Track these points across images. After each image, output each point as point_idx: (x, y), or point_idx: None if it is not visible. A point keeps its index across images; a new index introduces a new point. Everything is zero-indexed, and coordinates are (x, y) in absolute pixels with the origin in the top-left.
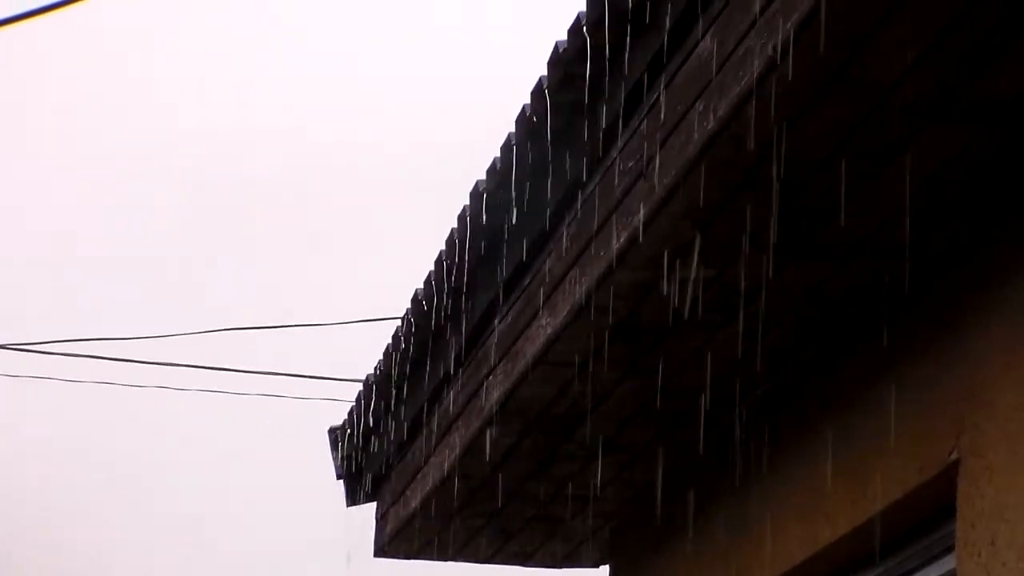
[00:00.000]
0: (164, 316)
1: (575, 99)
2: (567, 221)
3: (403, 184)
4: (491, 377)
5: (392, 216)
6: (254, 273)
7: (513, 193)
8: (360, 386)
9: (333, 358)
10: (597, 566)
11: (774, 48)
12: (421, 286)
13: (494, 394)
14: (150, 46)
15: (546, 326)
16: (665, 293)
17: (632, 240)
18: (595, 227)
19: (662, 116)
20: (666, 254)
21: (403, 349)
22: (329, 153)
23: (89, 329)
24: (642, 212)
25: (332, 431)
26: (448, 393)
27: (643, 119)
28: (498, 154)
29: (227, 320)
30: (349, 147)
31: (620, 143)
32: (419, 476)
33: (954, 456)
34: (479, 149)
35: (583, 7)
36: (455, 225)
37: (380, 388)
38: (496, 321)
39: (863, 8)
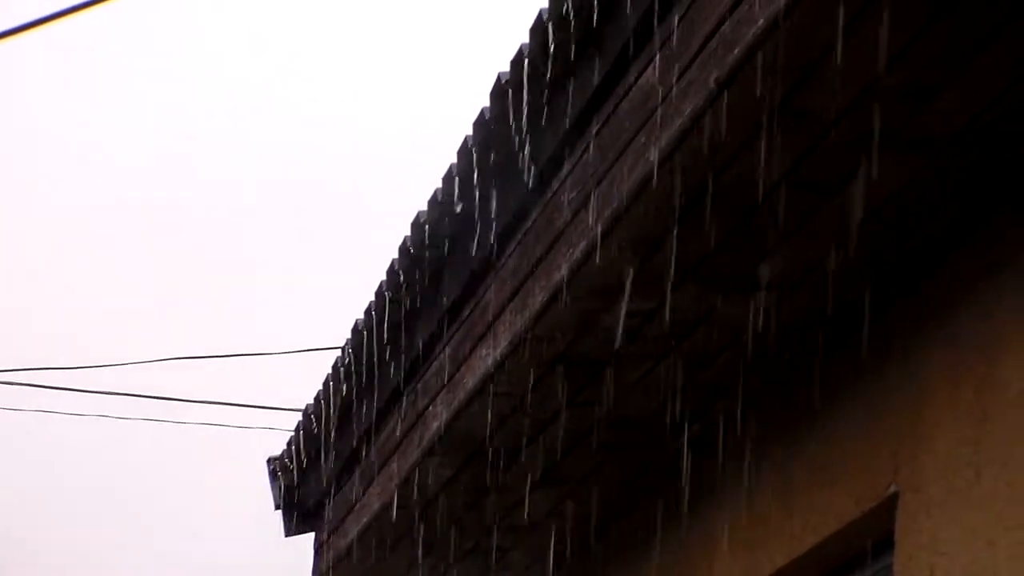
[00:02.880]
0: (105, 345)
1: (516, 130)
2: (508, 252)
3: (348, 214)
4: (431, 408)
5: (334, 246)
6: (196, 303)
7: (454, 224)
8: (299, 416)
9: (274, 388)
10: None
11: (716, 81)
12: (361, 316)
13: (433, 424)
14: (122, 69)
15: (486, 356)
16: (605, 324)
17: (573, 271)
18: (537, 258)
19: (604, 148)
20: (607, 285)
21: (343, 379)
22: (272, 181)
23: (30, 358)
24: (583, 243)
25: (271, 461)
26: (388, 423)
27: (586, 150)
28: (440, 185)
29: (168, 350)
30: (294, 176)
31: (563, 174)
32: (358, 507)
33: (892, 489)
34: (424, 180)
35: (526, 39)
36: (396, 255)
37: (319, 418)
38: (436, 351)
39: (806, 43)
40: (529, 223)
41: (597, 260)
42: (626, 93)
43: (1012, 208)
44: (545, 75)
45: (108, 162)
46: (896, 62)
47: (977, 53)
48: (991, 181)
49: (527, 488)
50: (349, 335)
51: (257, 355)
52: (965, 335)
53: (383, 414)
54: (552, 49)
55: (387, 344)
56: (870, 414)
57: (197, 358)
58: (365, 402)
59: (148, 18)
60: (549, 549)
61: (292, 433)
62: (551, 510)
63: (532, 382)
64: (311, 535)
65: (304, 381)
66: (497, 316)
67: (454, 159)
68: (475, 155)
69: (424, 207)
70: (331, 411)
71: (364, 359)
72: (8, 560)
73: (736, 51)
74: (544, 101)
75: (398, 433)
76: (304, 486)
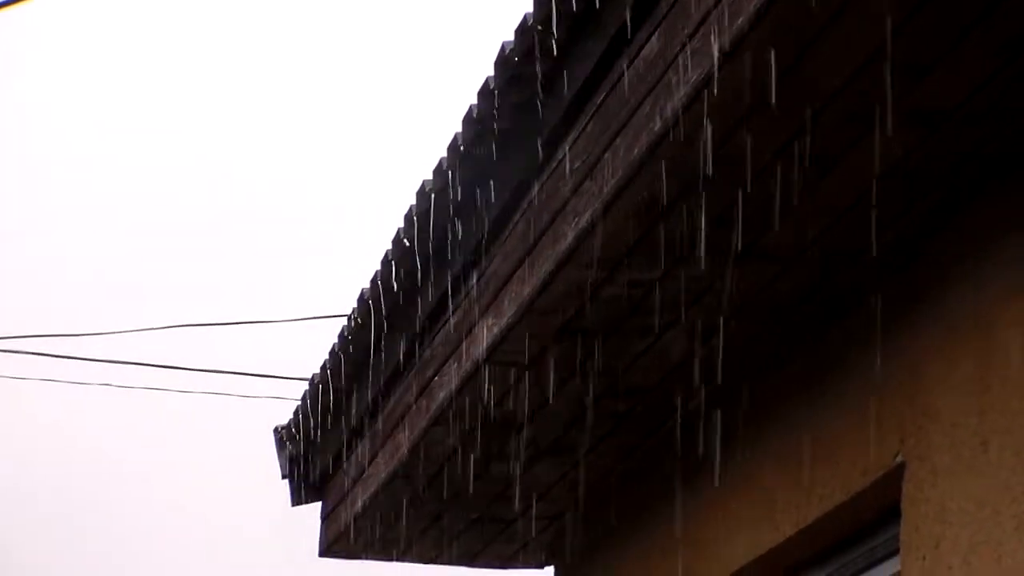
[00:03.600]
0: (111, 313)
1: (522, 99)
2: (514, 221)
3: (353, 181)
4: (437, 377)
5: (338, 213)
6: (203, 271)
7: (460, 192)
8: (306, 385)
9: (281, 356)
10: (542, 567)
11: (720, 49)
12: (368, 285)
13: (440, 394)
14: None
15: (492, 326)
16: (610, 294)
17: (579, 240)
18: (542, 227)
19: (609, 117)
20: (612, 254)
21: (349, 348)
22: (282, 150)
23: (36, 326)
24: (589, 212)
25: (278, 430)
26: (395, 393)
27: (590, 119)
28: (445, 154)
29: (174, 317)
30: (304, 145)
31: (568, 143)
32: (364, 476)
33: (899, 459)
34: (432, 148)
35: (530, 7)
36: (401, 224)
37: (326, 387)
38: (443, 321)
39: (809, 15)
40: (534, 193)
41: (602, 229)
42: (631, 62)
43: (1007, 183)
44: (550, 44)
45: (110, 129)
46: (897, 36)
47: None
48: (986, 156)
49: (533, 457)
50: (355, 304)
51: (260, 323)
52: (962, 307)
53: (390, 383)
54: (556, 18)
55: (394, 313)
56: (875, 385)
57: (200, 326)
58: (372, 371)
59: None
60: (556, 519)
61: (298, 402)
62: (558, 479)
63: (538, 351)
64: (318, 504)
65: (308, 350)
66: (503, 285)
67: (459, 128)
68: (480, 124)
69: (430, 176)
70: (338, 380)
71: (371, 328)
72: (10, 526)
73: (740, 20)
74: (549, 70)
75: (405, 402)
76: (311, 455)
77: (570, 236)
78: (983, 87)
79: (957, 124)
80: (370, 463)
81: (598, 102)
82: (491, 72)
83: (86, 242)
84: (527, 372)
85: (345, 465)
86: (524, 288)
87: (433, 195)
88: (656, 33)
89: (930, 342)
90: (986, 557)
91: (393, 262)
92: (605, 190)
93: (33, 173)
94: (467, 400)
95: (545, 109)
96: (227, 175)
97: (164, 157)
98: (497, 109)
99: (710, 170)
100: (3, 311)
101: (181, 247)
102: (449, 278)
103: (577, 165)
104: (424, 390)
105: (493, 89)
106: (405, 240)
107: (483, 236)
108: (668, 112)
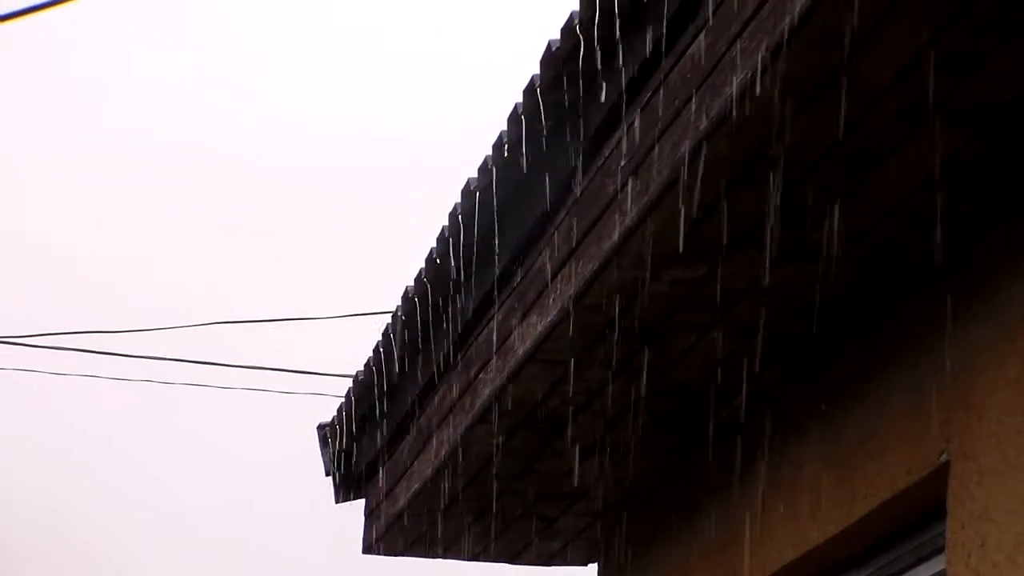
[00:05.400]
0: (152, 310)
1: (567, 98)
2: (559, 219)
3: (399, 180)
4: (482, 374)
5: (386, 211)
6: (245, 268)
7: (504, 191)
8: (350, 382)
9: (323, 353)
10: (585, 564)
11: (767, 49)
12: (412, 283)
13: (484, 391)
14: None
15: (537, 324)
16: (655, 292)
17: (624, 238)
18: (587, 225)
19: (656, 115)
20: (658, 253)
21: (393, 346)
22: (323, 148)
23: (76, 323)
24: (635, 211)
25: (321, 427)
26: (438, 390)
27: (636, 118)
28: (490, 152)
29: (216, 315)
30: (344, 143)
31: (613, 142)
32: (408, 473)
33: (944, 458)
34: (475, 148)
35: (576, 6)
36: (446, 223)
37: (370, 385)
38: (487, 318)
39: (857, 10)
40: (579, 191)
41: (648, 228)
42: (677, 61)
43: None
44: (596, 42)
45: (149, 120)
46: (944, 31)
47: None
48: None
49: (576, 455)
50: (400, 301)
51: (302, 319)
52: (1012, 306)
53: (434, 380)
54: (603, 17)
55: (438, 310)
56: (921, 384)
57: (243, 322)
58: (416, 368)
59: None
60: (599, 516)
61: (341, 399)
62: (602, 476)
63: (582, 350)
64: (361, 502)
65: (350, 347)
66: (548, 283)
67: (504, 126)
68: (525, 123)
69: (475, 175)
70: (382, 377)
71: (415, 325)
72: (49, 524)
73: (787, 20)
74: (594, 69)
75: (449, 400)
76: (354, 452)
77: (616, 235)
78: None
79: (1011, 118)
80: (413, 461)
81: (644, 100)
82: (537, 71)
83: (127, 239)
84: (571, 370)
85: (388, 462)
86: (569, 286)
87: (478, 193)
88: (703, 32)
89: (978, 340)
90: None
91: (438, 259)
92: (651, 188)
93: (71, 168)
94: (510, 398)
95: (590, 107)
96: (270, 170)
97: (207, 151)
98: (543, 107)
99: (756, 169)
100: (44, 308)
101: (223, 243)
102: (494, 276)
103: (623, 164)
104: (468, 388)
105: (539, 87)
106: (450, 238)
107: (527, 234)
108: (715, 111)
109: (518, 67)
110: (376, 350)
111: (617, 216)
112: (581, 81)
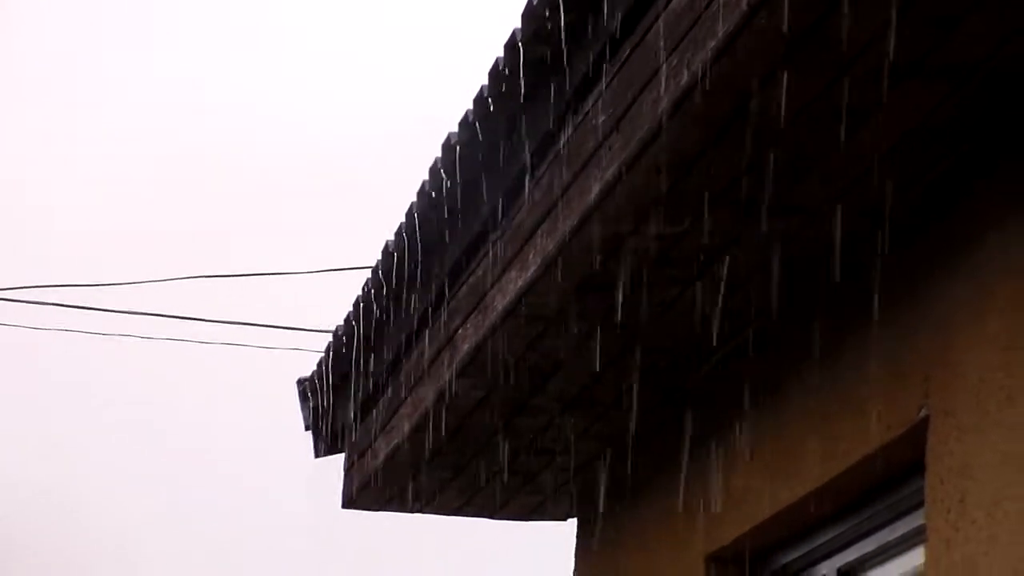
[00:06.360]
0: (129, 263)
1: (548, 53)
2: (539, 174)
3: (378, 133)
4: (461, 330)
5: (364, 165)
6: (223, 221)
7: (485, 146)
8: (329, 337)
9: (302, 306)
10: (565, 519)
11: (747, 4)
12: (392, 237)
13: (464, 347)
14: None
15: (516, 279)
16: (636, 247)
17: (604, 194)
18: (567, 181)
19: (635, 70)
20: (637, 208)
21: (373, 301)
22: (305, 103)
23: (52, 276)
24: (614, 166)
25: (301, 382)
26: (418, 345)
27: (616, 74)
28: (471, 107)
29: (193, 268)
30: (327, 99)
31: (593, 96)
32: (388, 428)
33: (923, 413)
34: (459, 100)
35: None
36: (426, 177)
37: (349, 340)
38: (467, 273)
39: None
40: (560, 146)
41: (628, 183)
42: (658, 15)
43: None
44: None
45: (118, 71)
46: None
47: None
48: (1016, 112)
49: (557, 411)
50: (379, 255)
51: (280, 274)
52: (990, 263)
53: (413, 336)
54: None
55: (418, 265)
56: (900, 340)
57: (220, 277)
58: (395, 323)
59: None
60: (580, 471)
61: (321, 354)
62: (581, 432)
63: (563, 304)
64: (341, 456)
65: (330, 301)
66: (528, 238)
67: (485, 80)
68: (505, 78)
69: (455, 129)
70: (361, 332)
71: (394, 280)
72: (28, 475)
73: None
74: (575, 23)
75: (428, 355)
76: (334, 407)
77: (596, 189)
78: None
79: (987, 76)
80: (393, 415)
81: (625, 55)
82: (518, 25)
83: (101, 190)
84: (551, 325)
85: (368, 417)
86: (549, 241)
87: (459, 148)
88: None
89: (957, 296)
90: (1011, 511)
91: (418, 214)
92: (631, 143)
93: (43, 119)
94: (491, 353)
95: (572, 62)
96: (250, 122)
97: (182, 101)
98: (523, 62)
99: (736, 124)
100: (18, 262)
101: (199, 195)
102: (474, 230)
103: (603, 119)
104: (448, 342)
105: (520, 42)
106: (431, 192)
107: (508, 189)
108: (696, 66)
109: (505, 21)
110: (356, 304)
111: (597, 171)
112: (562, 36)
